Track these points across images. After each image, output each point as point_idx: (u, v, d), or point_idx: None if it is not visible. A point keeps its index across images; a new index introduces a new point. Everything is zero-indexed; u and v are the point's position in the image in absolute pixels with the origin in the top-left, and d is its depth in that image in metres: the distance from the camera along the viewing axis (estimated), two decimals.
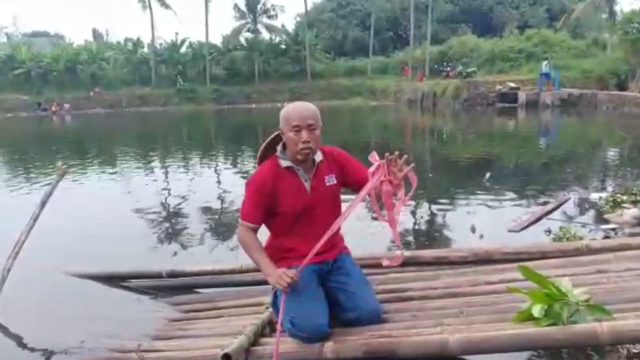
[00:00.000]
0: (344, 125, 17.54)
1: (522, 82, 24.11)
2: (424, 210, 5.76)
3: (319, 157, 2.36)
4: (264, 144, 2.45)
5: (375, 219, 5.12)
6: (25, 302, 3.26)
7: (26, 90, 35.80)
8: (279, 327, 2.21)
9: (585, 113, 19.50)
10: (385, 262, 2.31)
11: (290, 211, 2.31)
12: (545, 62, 23.41)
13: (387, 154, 2.09)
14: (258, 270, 2.48)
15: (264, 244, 2.42)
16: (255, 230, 2.35)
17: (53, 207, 3.40)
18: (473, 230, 4.52)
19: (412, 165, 2.12)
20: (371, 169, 2.11)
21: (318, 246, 2.15)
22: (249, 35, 41.37)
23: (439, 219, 5.26)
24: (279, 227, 2.38)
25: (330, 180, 2.36)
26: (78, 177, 8.59)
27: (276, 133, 2.38)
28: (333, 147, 2.47)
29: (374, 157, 2.11)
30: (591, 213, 5.04)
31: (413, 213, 5.55)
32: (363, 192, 2.10)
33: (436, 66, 31.41)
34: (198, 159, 11.63)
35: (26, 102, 34.45)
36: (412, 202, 5.99)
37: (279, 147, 2.37)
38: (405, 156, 2.11)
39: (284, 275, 2.16)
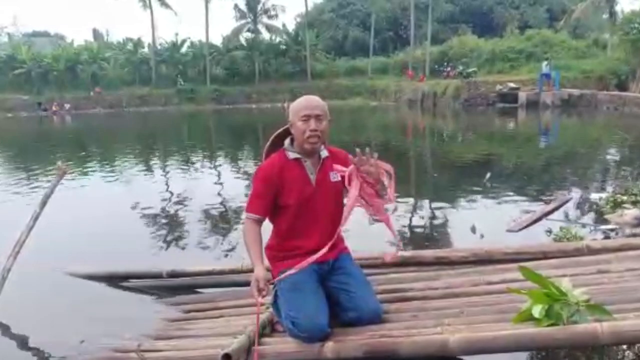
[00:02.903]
0: (345, 125, 17.53)
1: (523, 83, 24.09)
2: (424, 210, 5.77)
3: (325, 153, 2.42)
4: (271, 138, 2.50)
5: (377, 221, 5.15)
6: (25, 302, 3.26)
7: (26, 90, 35.80)
8: (256, 329, 2.22)
9: (586, 113, 19.49)
10: (387, 258, 2.47)
11: (294, 202, 2.32)
12: (545, 63, 23.39)
13: (355, 157, 2.20)
14: None
15: (267, 242, 2.42)
16: (259, 223, 2.36)
17: (53, 207, 3.40)
18: (473, 230, 4.52)
19: (376, 154, 2.24)
20: (346, 175, 2.23)
21: (316, 257, 2.21)
22: (249, 35, 41.41)
23: (440, 219, 5.26)
24: (282, 222, 2.39)
25: (335, 177, 2.38)
26: (78, 177, 8.59)
27: (284, 127, 2.44)
28: (339, 149, 2.49)
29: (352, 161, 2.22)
30: (591, 213, 5.03)
31: (414, 213, 5.55)
32: (350, 203, 2.22)
33: (436, 66, 31.41)
34: (198, 158, 11.63)
35: (26, 102, 34.45)
36: (407, 200, 6.00)
37: (287, 141, 2.42)
38: (376, 154, 2.23)
39: (258, 284, 2.15)
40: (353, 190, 2.21)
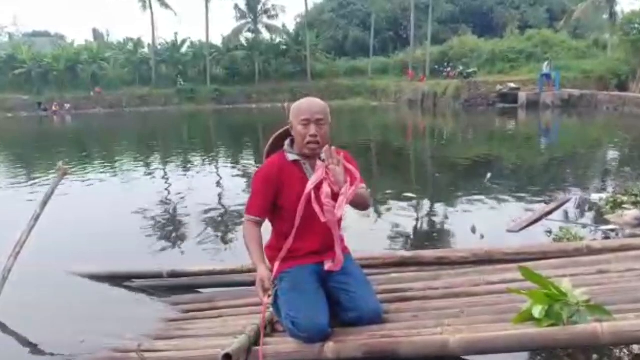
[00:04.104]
0: (345, 126, 17.54)
1: (523, 83, 24.10)
2: (424, 210, 5.77)
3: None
4: (272, 138, 2.49)
5: (379, 219, 5.15)
6: (25, 302, 3.25)
7: (26, 90, 35.82)
8: (262, 329, 2.23)
9: (586, 113, 19.50)
10: (327, 265, 2.33)
11: (293, 204, 2.31)
12: (546, 63, 23.38)
13: (322, 154, 2.21)
14: None
15: (267, 243, 2.42)
16: (258, 224, 2.36)
17: (54, 207, 3.39)
18: (473, 230, 4.52)
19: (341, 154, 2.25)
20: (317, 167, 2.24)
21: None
22: (249, 35, 41.46)
23: (440, 219, 5.26)
24: (282, 224, 2.38)
25: None
26: (79, 177, 8.59)
27: (285, 128, 2.42)
28: (339, 149, 2.49)
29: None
30: (591, 214, 5.03)
31: (414, 213, 5.55)
32: (307, 189, 2.21)
33: (436, 66, 31.42)
34: (198, 158, 11.63)
35: (26, 102, 34.46)
36: (408, 200, 6.00)
37: (287, 142, 2.41)
38: (342, 153, 2.26)
39: (263, 283, 2.18)
40: (313, 178, 2.21)
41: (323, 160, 2.24)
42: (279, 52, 39.62)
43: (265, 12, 41.34)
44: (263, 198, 2.34)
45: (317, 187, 2.21)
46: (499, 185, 6.72)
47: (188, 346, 2.41)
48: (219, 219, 5.64)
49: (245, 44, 40.38)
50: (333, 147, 2.25)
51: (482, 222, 4.73)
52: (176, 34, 39.94)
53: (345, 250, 2.54)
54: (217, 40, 41.98)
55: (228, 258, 4.05)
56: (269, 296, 2.19)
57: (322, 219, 2.20)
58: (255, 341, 2.27)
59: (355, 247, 2.74)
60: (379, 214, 5.36)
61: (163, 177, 8.97)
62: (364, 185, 2.37)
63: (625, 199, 5.04)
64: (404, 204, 5.86)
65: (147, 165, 10.79)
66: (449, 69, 29.54)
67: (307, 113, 2.27)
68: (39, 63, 36.57)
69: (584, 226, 4.49)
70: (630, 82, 22.68)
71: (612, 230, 4.32)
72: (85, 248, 4.49)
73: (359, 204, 2.36)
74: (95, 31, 55.65)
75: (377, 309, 2.35)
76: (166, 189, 7.70)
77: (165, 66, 39.44)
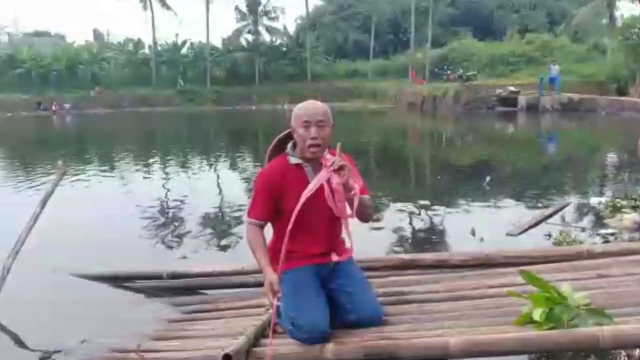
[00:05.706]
0: (345, 127, 17.53)
1: (522, 86, 24.12)
2: (424, 213, 5.76)
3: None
4: (273, 142, 2.47)
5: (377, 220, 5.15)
6: (25, 302, 3.25)
7: (27, 90, 35.73)
8: (271, 331, 2.23)
9: (585, 118, 19.52)
10: (334, 257, 2.36)
11: (295, 208, 2.30)
12: (555, 67, 23.27)
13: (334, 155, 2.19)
14: (259, 272, 2.48)
15: (268, 244, 2.42)
16: (261, 228, 2.37)
17: (53, 206, 3.39)
18: (473, 233, 4.52)
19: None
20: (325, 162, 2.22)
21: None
22: (249, 36, 41.50)
23: (440, 222, 5.26)
24: (283, 226, 2.37)
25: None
26: (78, 177, 8.58)
27: (287, 131, 2.41)
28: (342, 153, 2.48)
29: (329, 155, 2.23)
30: (591, 218, 5.04)
31: (414, 216, 5.56)
32: (313, 183, 2.20)
33: (436, 69, 31.47)
34: (199, 159, 11.64)
35: (27, 102, 34.37)
36: (408, 203, 6.00)
37: (289, 145, 2.40)
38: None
39: (272, 286, 2.21)
40: (323, 172, 2.19)
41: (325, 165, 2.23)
42: (279, 53, 39.67)
43: (266, 13, 41.38)
44: (265, 202, 2.34)
45: (329, 185, 2.19)
46: (498, 189, 6.73)
47: (188, 347, 2.41)
48: (220, 220, 5.65)
49: (246, 46, 40.42)
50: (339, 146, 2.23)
51: (481, 225, 4.74)
52: (177, 35, 39.97)
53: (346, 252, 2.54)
54: (217, 41, 42.00)
55: (228, 259, 4.06)
56: (279, 299, 2.19)
57: (340, 215, 2.23)
58: (254, 342, 2.27)
59: (356, 250, 2.73)
60: (379, 217, 5.36)
61: (163, 178, 8.96)
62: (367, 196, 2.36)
63: (624, 203, 5.05)
64: (405, 207, 5.86)
65: (148, 166, 10.78)
66: (448, 72, 29.54)
67: (307, 115, 2.27)
68: (39, 63, 36.51)
69: (583, 230, 4.50)
70: (630, 86, 22.70)
71: (611, 234, 4.33)
72: (85, 248, 4.47)
73: (363, 212, 2.33)
74: (95, 31, 55.61)
75: (377, 311, 2.35)
76: (166, 190, 7.70)
77: (166, 67, 39.44)
